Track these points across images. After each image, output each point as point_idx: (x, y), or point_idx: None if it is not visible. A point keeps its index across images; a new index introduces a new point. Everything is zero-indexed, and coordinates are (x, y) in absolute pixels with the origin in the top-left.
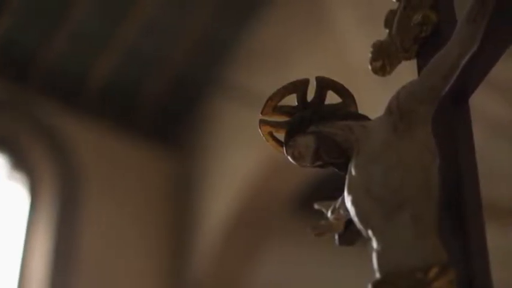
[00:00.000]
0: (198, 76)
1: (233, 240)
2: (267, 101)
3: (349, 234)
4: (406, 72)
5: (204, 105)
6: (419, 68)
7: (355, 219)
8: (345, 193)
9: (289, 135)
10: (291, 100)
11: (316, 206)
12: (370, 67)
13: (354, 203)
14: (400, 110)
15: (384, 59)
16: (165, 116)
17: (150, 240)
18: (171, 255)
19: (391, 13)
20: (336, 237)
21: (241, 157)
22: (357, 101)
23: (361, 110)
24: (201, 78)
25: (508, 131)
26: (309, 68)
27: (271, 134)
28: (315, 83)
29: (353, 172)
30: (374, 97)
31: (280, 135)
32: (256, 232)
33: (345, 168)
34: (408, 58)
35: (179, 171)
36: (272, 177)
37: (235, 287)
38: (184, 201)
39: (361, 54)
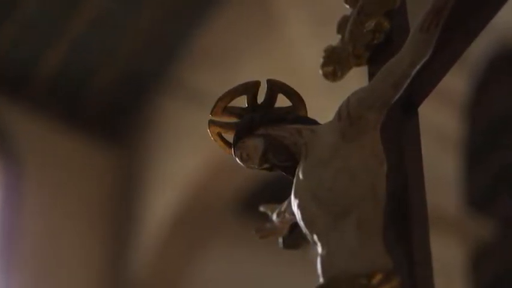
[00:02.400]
0: (147, 73)
1: (175, 239)
2: (217, 102)
3: (294, 238)
4: (357, 78)
5: (152, 103)
6: (370, 75)
7: (301, 223)
8: (292, 197)
9: (238, 137)
10: (241, 102)
11: (261, 209)
12: (321, 72)
13: (300, 207)
14: (349, 116)
15: (335, 64)
16: (112, 111)
17: (91, 237)
18: (112, 253)
19: (344, 19)
20: (280, 240)
21: (187, 156)
22: (307, 105)
23: (310, 115)
24: (151, 75)
25: (452, 142)
26: (259, 69)
27: (220, 135)
28: (266, 85)
29: (301, 176)
30: (323, 102)
31: (229, 137)
32: (199, 231)
33: (292, 171)
34: (359, 64)
35: (124, 167)
36: (217, 178)
37: (176, 286)
38: (127, 198)
39: (312, 58)
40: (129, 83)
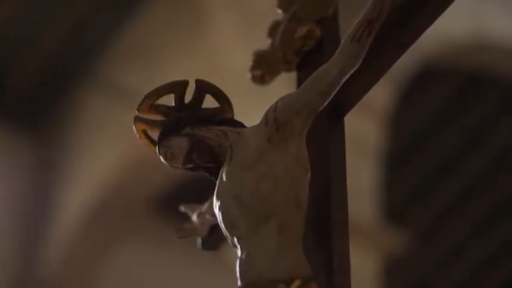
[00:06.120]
0: (71, 67)
1: (89, 238)
2: (144, 99)
3: (213, 240)
4: (285, 83)
5: (75, 98)
6: (299, 81)
7: (222, 225)
8: (214, 198)
9: (164, 135)
10: (168, 100)
11: (181, 209)
12: (249, 75)
13: (221, 209)
14: (276, 121)
15: (264, 68)
16: (32, 102)
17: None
18: (23, 250)
19: (276, 23)
20: (199, 241)
21: (106, 153)
22: (233, 107)
23: (237, 117)
24: (75, 70)
25: (372, 152)
26: (187, 69)
27: (145, 132)
28: (194, 85)
29: (224, 178)
30: (250, 104)
31: (154, 134)
32: (113, 230)
33: (216, 173)
34: (289, 70)
35: (40, 160)
36: (135, 176)
37: (88, 285)
38: (42, 192)
39: (241, 60)
40: (52, 77)
